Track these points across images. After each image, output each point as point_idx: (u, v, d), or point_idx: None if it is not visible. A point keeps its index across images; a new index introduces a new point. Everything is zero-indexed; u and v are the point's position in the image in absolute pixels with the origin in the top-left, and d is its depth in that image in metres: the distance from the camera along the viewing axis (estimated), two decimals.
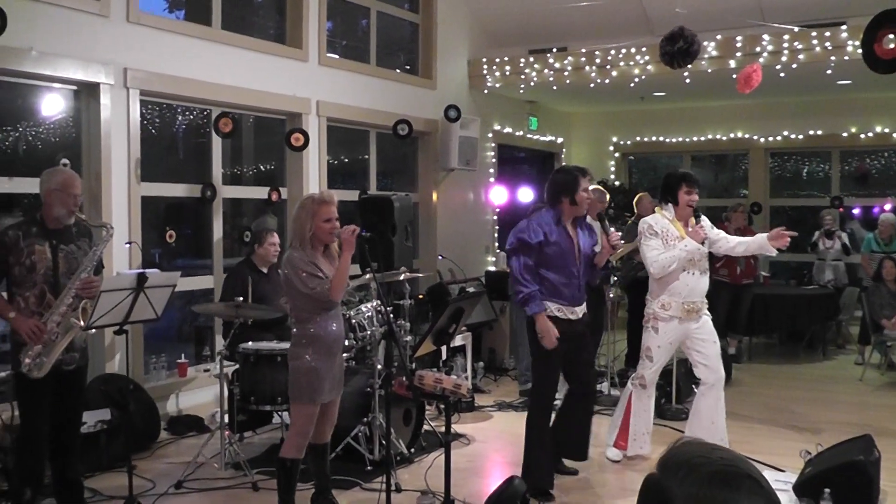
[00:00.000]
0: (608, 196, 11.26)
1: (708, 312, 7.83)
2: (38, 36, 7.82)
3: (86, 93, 8.50)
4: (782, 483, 6.15)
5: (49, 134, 8.60)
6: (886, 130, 15.09)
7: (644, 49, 12.33)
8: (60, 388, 6.12)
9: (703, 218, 7.86)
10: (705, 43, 11.35)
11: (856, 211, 15.73)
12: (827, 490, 5.92)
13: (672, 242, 7.51)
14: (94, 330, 6.21)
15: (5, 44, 7.47)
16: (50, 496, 6.42)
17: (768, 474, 6.56)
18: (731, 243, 7.89)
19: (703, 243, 7.61)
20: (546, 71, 13.20)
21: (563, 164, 16.73)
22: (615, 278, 10.27)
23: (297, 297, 6.06)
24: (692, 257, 7.55)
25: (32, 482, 6.06)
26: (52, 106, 8.49)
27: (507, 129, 15.00)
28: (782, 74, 11.96)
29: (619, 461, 7.95)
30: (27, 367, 5.83)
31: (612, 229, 7.34)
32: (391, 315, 6.54)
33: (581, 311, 7.14)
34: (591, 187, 7.40)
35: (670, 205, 7.76)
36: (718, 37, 11.80)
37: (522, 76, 13.44)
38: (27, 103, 8.40)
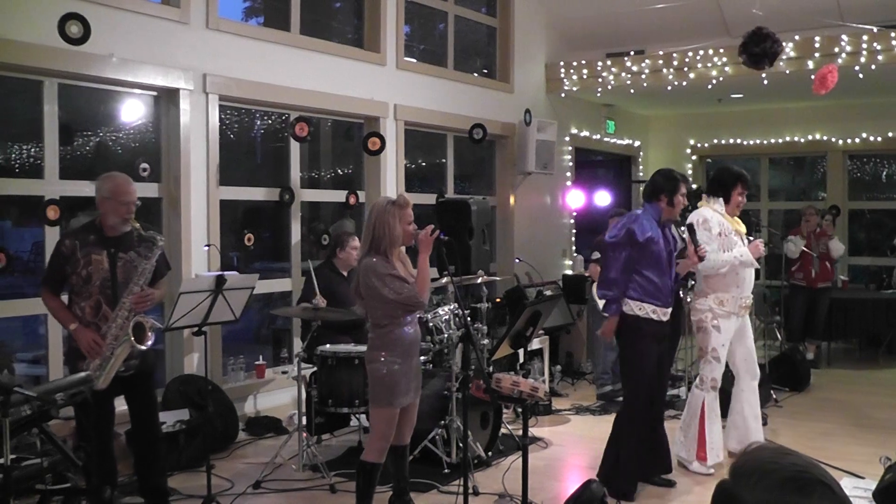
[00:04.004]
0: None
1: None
2: (119, 43, 7.95)
3: (165, 98, 8.62)
4: (861, 490, 6.04)
5: (129, 139, 8.73)
6: None
7: (721, 50, 12.22)
8: (125, 393, 6.22)
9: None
10: (783, 43, 11.25)
11: None
12: None
13: (730, 237, 7.41)
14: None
15: (87, 50, 7.62)
16: (130, 494, 6.54)
17: (847, 481, 6.47)
18: None
19: (758, 260, 7.50)
20: (623, 74, 13.12)
21: (640, 167, 16.82)
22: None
23: (381, 303, 5.94)
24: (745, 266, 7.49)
25: (109, 480, 6.14)
26: (133, 111, 8.63)
27: (584, 133, 14.90)
28: (861, 75, 11.76)
29: (712, 473, 7.58)
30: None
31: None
32: (468, 318, 6.53)
33: (669, 312, 7.07)
34: None
35: (721, 199, 7.67)
36: (797, 37, 11.65)
37: (599, 80, 13.38)
38: (108, 109, 8.54)
